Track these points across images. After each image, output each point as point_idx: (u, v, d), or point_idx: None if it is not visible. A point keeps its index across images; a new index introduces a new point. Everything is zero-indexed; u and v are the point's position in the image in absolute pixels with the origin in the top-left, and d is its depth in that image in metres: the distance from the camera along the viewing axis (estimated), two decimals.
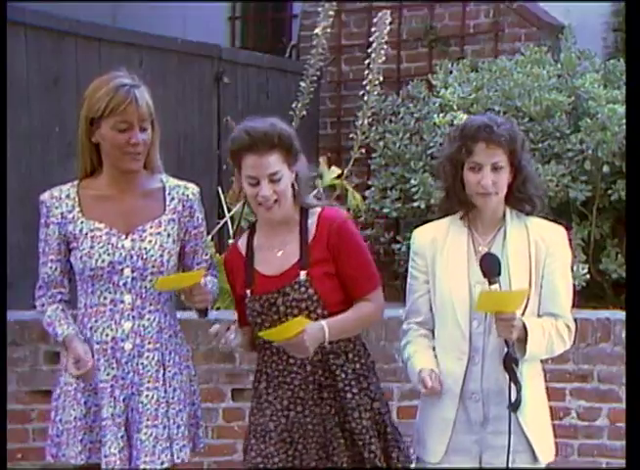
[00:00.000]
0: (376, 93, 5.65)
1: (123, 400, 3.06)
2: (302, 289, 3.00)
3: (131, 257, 3.06)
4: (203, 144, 6.21)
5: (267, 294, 3.03)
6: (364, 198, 5.99)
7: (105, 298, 3.07)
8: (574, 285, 3.76)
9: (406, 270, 3.21)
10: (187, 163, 5.73)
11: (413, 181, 5.72)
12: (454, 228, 3.12)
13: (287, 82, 6.76)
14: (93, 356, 3.02)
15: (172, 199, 3.15)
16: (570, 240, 3.21)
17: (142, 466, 3.03)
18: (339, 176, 5.60)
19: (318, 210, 3.09)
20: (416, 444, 3.20)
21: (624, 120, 5.03)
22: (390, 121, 6.39)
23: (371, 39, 5.67)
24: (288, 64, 7.31)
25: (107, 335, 3.07)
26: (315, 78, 5.88)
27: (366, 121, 5.70)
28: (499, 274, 2.92)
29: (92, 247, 3.06)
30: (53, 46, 5.31)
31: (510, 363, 2.92)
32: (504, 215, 3.09)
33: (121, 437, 3.04)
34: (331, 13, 5.79)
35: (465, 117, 4.98)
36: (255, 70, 6.80)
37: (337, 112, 7.42)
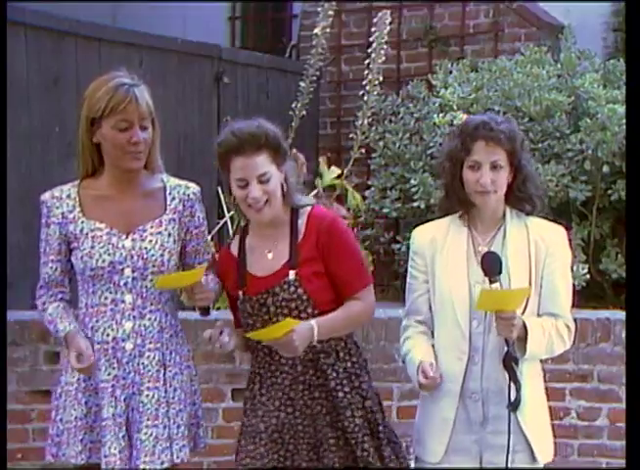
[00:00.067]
0: (376, 93, 5.65)
1: (124, 400, 3.06)
2: (292, 289, 3.00)
3: (132, 256, 3.06)
4: (203, 144, 6.19)
5: (258, 294, 3.03)
6: (364, 198, 5.99)
7: (106, 298, 3.07)
8: (574, 285, 3.76)
9: (406, 270, 3.21)
10: (187, 163, 5.72)
11: (413, 181, 5.72)
12: (454, 228, 3.12)
13: (287, 82, 6.76)
14: (94, 352, 3.02)
15: (173, 199, 3.15)
16: (570, 240, 3.22)
17: (142, 466, 3.03)
18: (339, 176, 5.61)
19: (308, 209, 3.09)
20: (415, 443, 3.20)
21: (624, 120, 5.03)
22: (390, 121, 6.39)
23: (371, 39, 5.67)
24: (288, 64, 7.31)
25: (108, 335, 3.07)
26: (315, 78, 5.89)
27: (366, 121, 5.70)
28: (500, 273, 2.92)
29: (93, 247, 3.06)
30: (53, 46, 5.31)
31: (510, 363, 2.92)
32: (504, 215, 3.09)
33: (122, 437, 3.04)
34: (331, 13, 5.79)
35: (465, 116, 4.98)
36: (255, 70, 6.80)
37: (337, 112, 7.42)
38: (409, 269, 3.18)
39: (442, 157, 3.16)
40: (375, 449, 3.03)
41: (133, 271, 3.06)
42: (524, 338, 2.96)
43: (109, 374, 3.06)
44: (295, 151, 5.43)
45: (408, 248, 3.27)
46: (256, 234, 3.12)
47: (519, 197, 3.07)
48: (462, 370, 3.03)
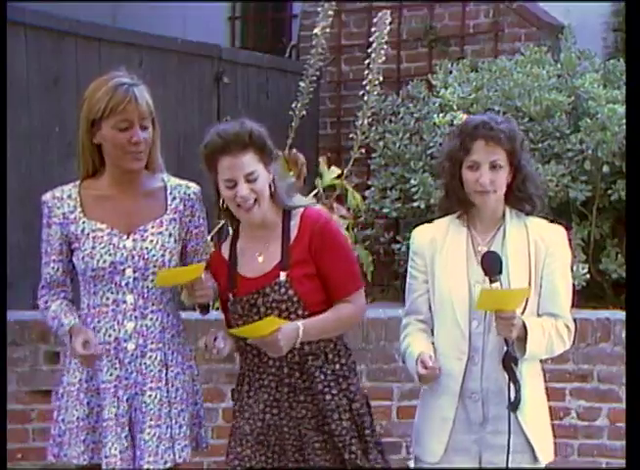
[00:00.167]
0: (376, 93, 5.64)
1: (127, 401, 3.06)
2: (282, 290, 3.00)
3: (133, 257, 3.06)
4: None
5: (248, 295, 3.03)
6: (364, 198, 5.99)
7: (107, 298, 3.07)
8: (574, 285, 3.76)
9: (406, 270, 3.21)
10: (187, 163, 5.69)
11: (413, 181, 5.72)
12: (453, 228, 3.12)
13: (287, 82, 6.76)
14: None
15: (174, 198, 3.15)
16: (570, 240, 3.22)
17: (145, 466, 3.04)
18: (339, 176, 5.60)
19: (300, 210, 3.09)
20: (415, 444, 3.20)
21: (624, 120, 5.03)
22: (390, 121, 6.39)
23: (371, 39, 5.67)
24: (288, 64, 7.31)
25: (109, 335, 3.07)
26: (315, 78, 5.87)
27: (366, 121, 5.69)
28: (500, 273, 2.92)
29: (94, 247, 3.06)
30: (53, 46, 5.31)
31: (509, 363, 2.92)
32: (503, 215, 3.09)
33: (125, 437, 3.04)
34: (330, 13, 5.78)
35: (465, 116, 4.98)
36: (255, 70, 6.80)
37: (337, 112, 7.42)
38: (409, 269, 3.18)
39: (442, 157, 3.16)
40: (362, 452, 3.03)
41: (134, 272, 3.06)
42: (523, 338, 2.96)
43: (111, 375, 3.06)
44: (295, 151, 5.44)
45: (408, 248, 3.27)
46: (247, 235, 3.12)
47: (518, 197, 3.07)
48: (461, 370, 3.03)
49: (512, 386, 2.92)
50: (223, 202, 3.05)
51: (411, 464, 3.24)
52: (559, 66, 5.85)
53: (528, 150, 3.28)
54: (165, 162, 3.22)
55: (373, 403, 3.22)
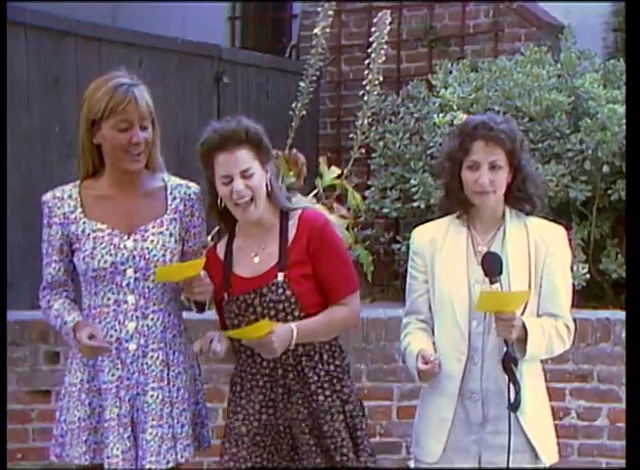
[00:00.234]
0: (376, 93, 5.65)
1: (129, 401, 3.06)
2: (280, 290, 3.00)
3: (134, 257, 3.06)
4: None
5: (244, 294, 3.03)
6: (364, 198, 5.99)
7: (108, 298, 3.07)
8: (574, 285, 3.76)
9: (406, 270, 3.21)
10: (187, 162, 5.70)
11: (413, 181, 5.71)
12: (453, 228, 3.12)
13: (287, 82, 6.76)
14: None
15: (174, 198, 3.15)
16: (570, 240, 3.22)
17: (148, 466, 3.04)
18: (339, 176, 5.61)
19: (299, 212, 3.10)
20: (414, 444, 3.20)
21: (624, 120, 5.03)
22: (390, 121, 6.38)
23: (371, 39, 5.67)
24: (288, 64, 7.30)
25: (111, 336, 3.07)
26: (315, 78, 5.88)
27: (366, 121, 5.70)
28: (501, 273, 2.92)
29: (94, 247, 3.06)
30: (53, 46, 5.31)
31: (509, 363, 2.92)
32: (503, 215, 3.09)
33: (127, 437, 3.04)
34: (330, 13, 5.79)
35: (465, 116, 4.98)
36: (255, 69, 6.80)
37: (337, 112, 7.42)
38: (409, 269, 3.18)
39: (442, 157, 3.16)
40: (354, 454, 3.04)
41: (135, 272, 3.06)
42: (523, 339, 2.95)
43: (112, 375, 3.06)
44: (295, 151, 5.45)
45: (408, 248, 3.27)
46: (244, 235, 3.12)
47: (518, 197, 3.07)
48: (461, 370, 3.03)
49: (512, 387, 2.92)
50: (222, 201, 3.05)
51: (411, 464, 3.24)
52: (559, 66, 5.85)
53: (528, 150, 3.28)
54: (165, 161, 3.23)
55: (373, 403, 3.22)
